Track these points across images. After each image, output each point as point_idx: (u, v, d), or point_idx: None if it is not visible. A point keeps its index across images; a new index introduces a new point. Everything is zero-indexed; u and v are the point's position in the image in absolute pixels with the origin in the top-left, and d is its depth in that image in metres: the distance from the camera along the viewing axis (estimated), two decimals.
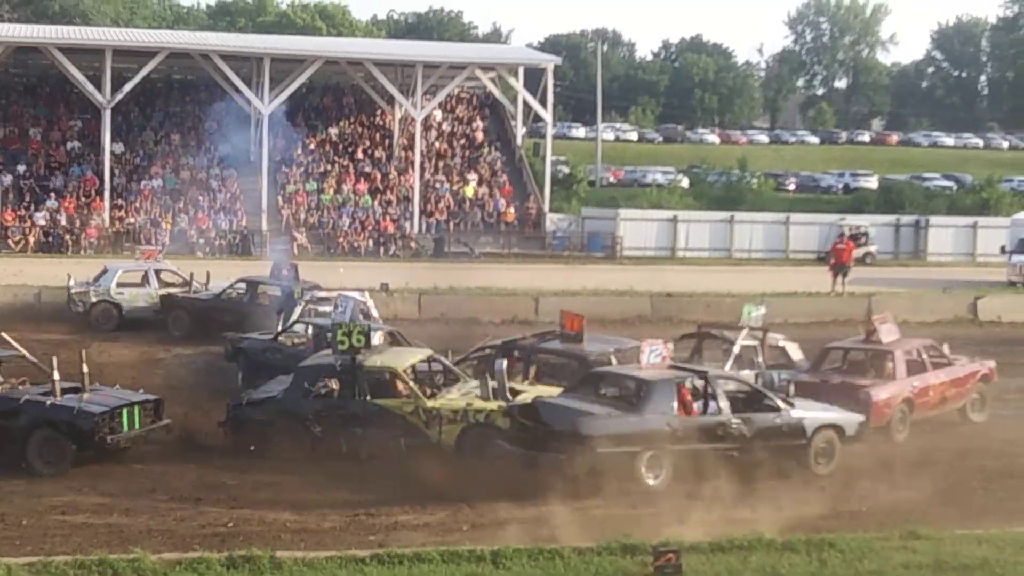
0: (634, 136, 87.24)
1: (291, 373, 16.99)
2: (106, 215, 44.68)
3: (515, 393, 15.84)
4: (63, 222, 43.96)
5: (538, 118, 52.09)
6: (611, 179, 71.02)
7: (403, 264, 40.68)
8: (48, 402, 15.15)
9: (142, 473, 15.07)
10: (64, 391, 15.41)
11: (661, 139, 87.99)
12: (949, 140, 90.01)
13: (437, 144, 52.85)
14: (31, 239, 43.30)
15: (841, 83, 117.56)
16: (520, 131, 52.77)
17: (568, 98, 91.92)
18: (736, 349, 18.38)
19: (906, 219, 52.59)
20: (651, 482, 14.22)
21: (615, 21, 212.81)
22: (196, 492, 14.24)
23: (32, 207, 44.61)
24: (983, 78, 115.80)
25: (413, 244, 46.86)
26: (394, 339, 19.32)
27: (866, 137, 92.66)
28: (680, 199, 60.44)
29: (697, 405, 15.20)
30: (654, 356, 15.42)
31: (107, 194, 45.15)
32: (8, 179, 45.71)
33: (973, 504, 14.25)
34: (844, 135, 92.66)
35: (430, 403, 15.67)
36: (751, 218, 51.70)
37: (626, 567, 11.32)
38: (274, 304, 23.75)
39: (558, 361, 18.05)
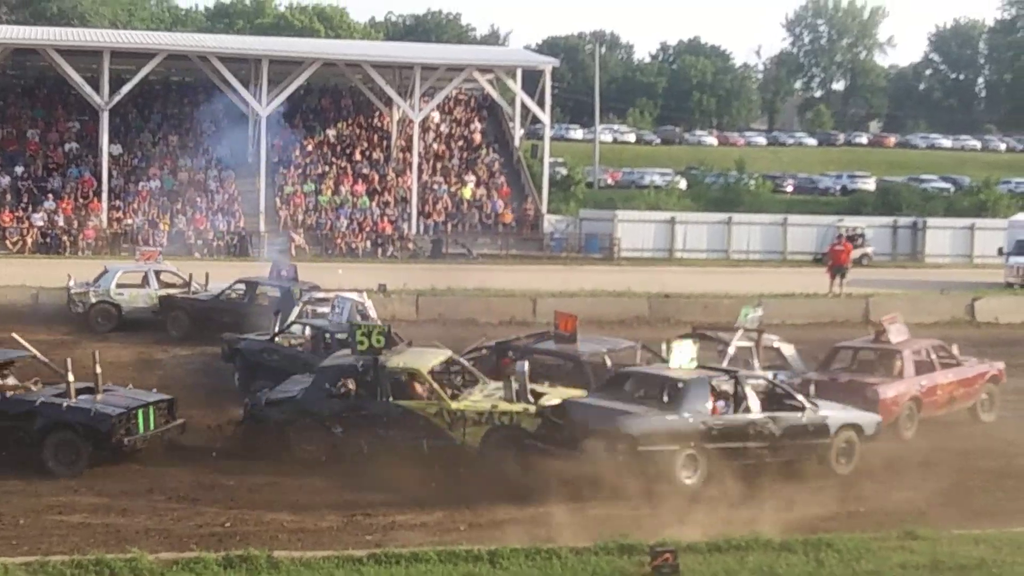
0: (632, 138, 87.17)
1: (290, 374, 16.94)
2: (104, 216, 44.63)
3: (537, 395, 15.70)
4: (61, 223, 43.92)
5: (536, 120, 52.07)
6: (609, 180, 71.01)
7: (401, 265, 40.62)
8: (64, 404, 15.06)
9: (139, 473, 15.04)
10: (78, 392, 15.37)
11: (659, 141, 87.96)
12: (947, 142, 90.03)
13: (435, 146, 52.84)
14: (29, 240, 43.26)
15: (839, 85, 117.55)
16: (518, 133, 52.73)
17: (566, 100, 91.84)
18: (731, 350, 18.35)
19: (903, 221, 52.47)
20: (687, 481, 14.26)
21: (613, 23, 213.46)
22: (193, 492, 14.23)
23: (30, 208, 44.57)
24: (980, 80, 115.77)
25: (411, 245, 46.83)
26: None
27: (864, 139, 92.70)
28: (678, 200, 60.44)
29: (727, 404, 15.23)
30: (682, 357, 15.45)
31: (105, 195, 45.09)
32: (6, 180, 45.72)
33: (972, 504, 14.28)
34: (842, 137, 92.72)
35: (455, 405, 15.50)
36: (749, 219, 51.55)
37: (623, 567, 11.33)
38: (273, 305, 23.74)
39: (552, 361, 18.02)
